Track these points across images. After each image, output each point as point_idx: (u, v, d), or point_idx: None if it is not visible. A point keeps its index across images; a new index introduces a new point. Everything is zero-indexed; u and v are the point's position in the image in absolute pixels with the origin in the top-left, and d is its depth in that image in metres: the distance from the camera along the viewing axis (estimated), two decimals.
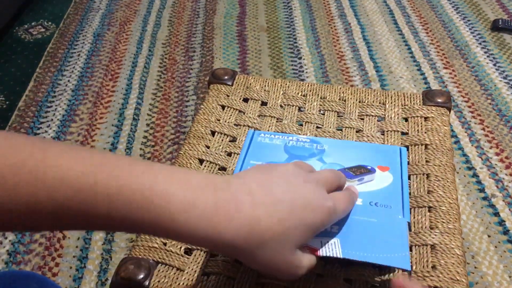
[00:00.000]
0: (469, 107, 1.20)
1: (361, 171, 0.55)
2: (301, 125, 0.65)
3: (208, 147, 0.62)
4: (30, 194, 0.29)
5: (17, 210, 0.29)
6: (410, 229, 0.52)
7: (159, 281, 0.49)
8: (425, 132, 0.63)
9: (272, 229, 0.36)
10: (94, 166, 0.32)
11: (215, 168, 0.60)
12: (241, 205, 0.36)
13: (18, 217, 0.30)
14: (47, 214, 0.30)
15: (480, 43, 1.43)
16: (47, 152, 0.31)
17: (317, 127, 0.65)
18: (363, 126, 0.65)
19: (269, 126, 0.65)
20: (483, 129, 1.13)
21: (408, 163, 0.60)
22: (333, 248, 0.44)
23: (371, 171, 0.55)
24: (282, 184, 0.39)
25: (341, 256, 0.43)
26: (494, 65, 1.34)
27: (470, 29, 1.49)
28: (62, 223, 0.32)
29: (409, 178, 0.58)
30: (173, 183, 0.35)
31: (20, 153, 0.30)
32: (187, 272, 0.49)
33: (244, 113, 0.67)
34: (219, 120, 0.66)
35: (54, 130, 1.25)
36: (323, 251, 0.43)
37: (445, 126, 0.64)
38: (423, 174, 0.58)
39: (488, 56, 1.37)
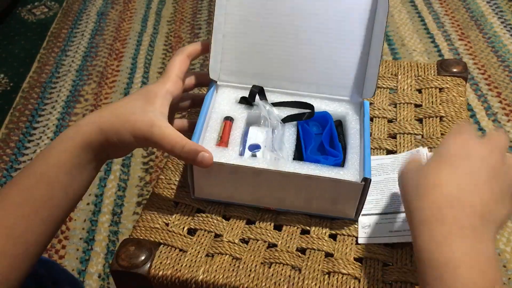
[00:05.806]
0: (486, 79, 1.15)
1: None
2: None
3: None
4: None
5: None
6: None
7: (161, 263, 0.47)
8: (440, 104, 0.60)
9: None
10: None
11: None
12: None
13: None
14: None
15: (496, 13, 1.37)
16: None
17: None
18: (373, 98, 0.62)
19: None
20: (500, 101, 1.08)
21: (422, 136, 0.57)
22: None
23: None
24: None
25: None
26: None
27: None
28: None
29: None
30: None
31: None
32: (190, 253, 0.47)
33: None
34: None
35: (58, 112, 1.23)
36: None
37: (461, 97, 0.61)
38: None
39: (505, 27, 1.32)
